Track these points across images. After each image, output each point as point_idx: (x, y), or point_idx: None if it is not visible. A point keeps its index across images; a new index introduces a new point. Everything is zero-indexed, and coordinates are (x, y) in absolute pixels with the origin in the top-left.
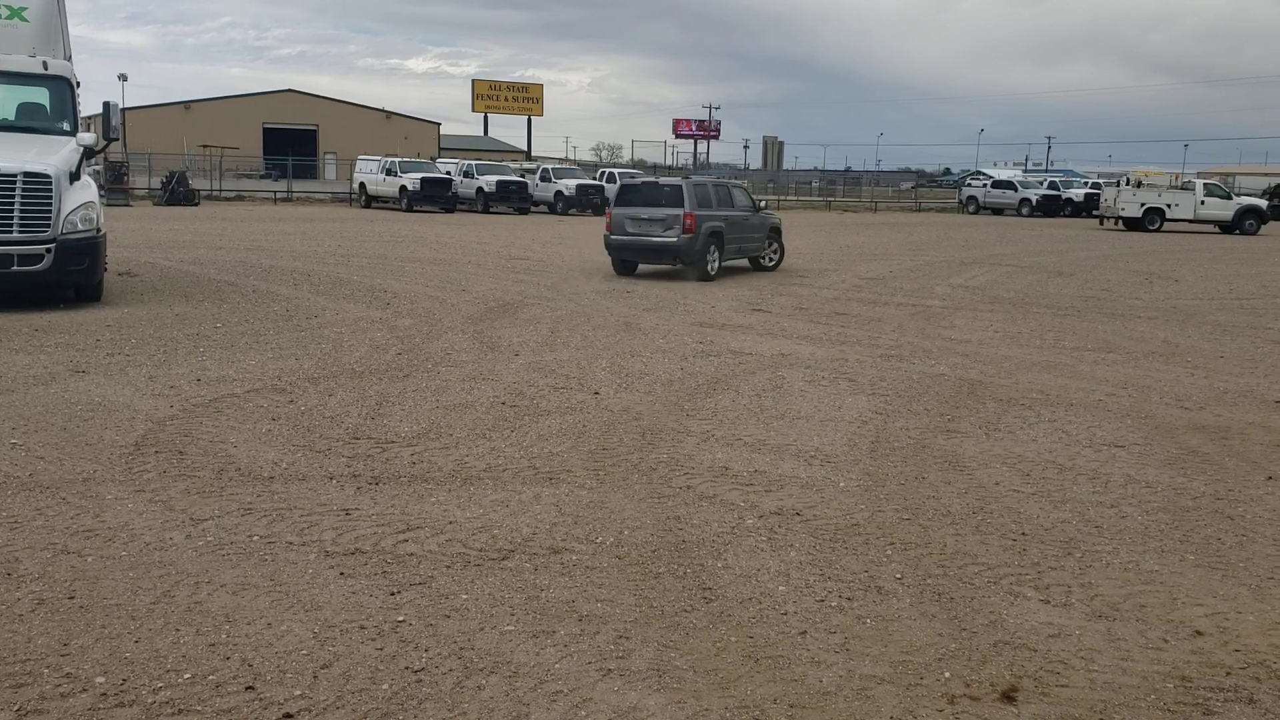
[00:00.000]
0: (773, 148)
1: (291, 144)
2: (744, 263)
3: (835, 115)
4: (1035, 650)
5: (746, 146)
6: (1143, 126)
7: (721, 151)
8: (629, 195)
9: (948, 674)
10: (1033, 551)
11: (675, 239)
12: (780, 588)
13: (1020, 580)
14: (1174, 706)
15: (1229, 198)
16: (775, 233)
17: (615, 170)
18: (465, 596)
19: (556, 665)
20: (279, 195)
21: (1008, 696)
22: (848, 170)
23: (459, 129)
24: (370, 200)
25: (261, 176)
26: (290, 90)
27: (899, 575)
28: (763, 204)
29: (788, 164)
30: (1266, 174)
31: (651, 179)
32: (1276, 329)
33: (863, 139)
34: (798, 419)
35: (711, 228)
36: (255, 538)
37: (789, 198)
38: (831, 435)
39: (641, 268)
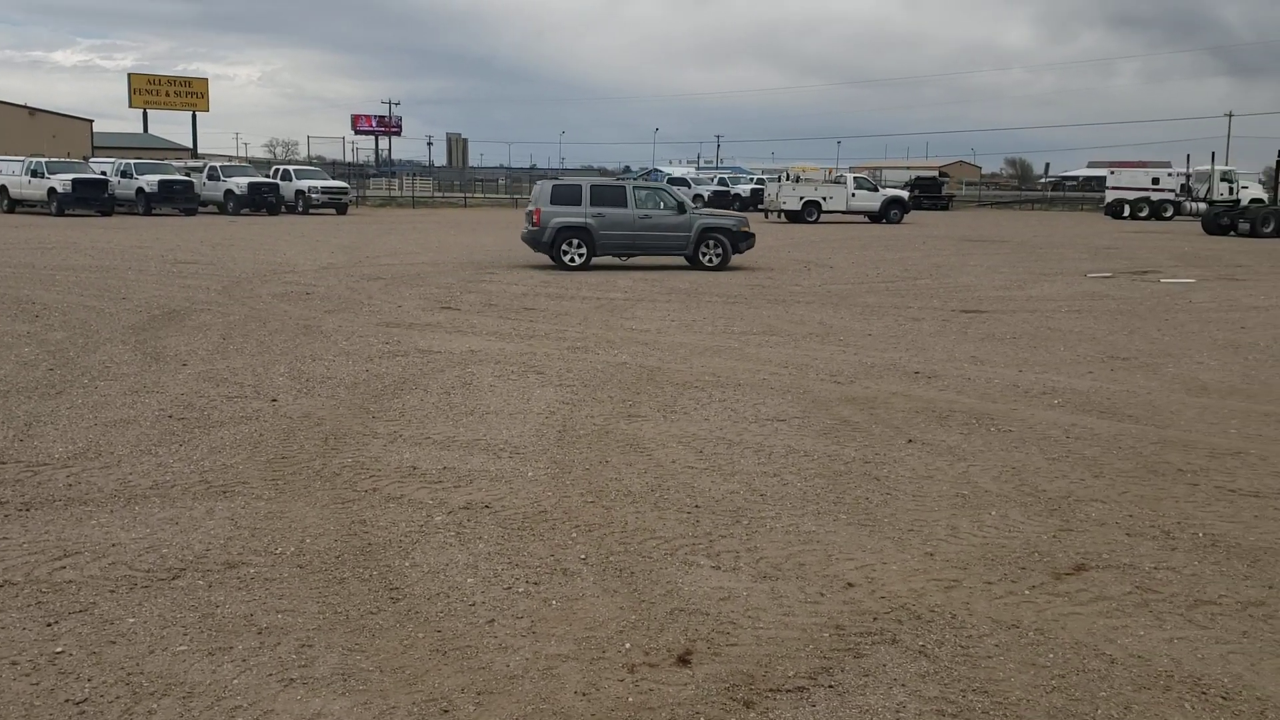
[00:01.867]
0: (457, 145)
1: None
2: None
3: (518, 113)
4: (708, 614)
5: (430, 143)
6: (801, 125)
7: (405, 148)
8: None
9: (628, 645)
10: (705, 522)
11: (525, 231)
12: (469, 580)
13: (694, 550)
14: (829, 653)
15: (876, 190)
16: (717, 233)
17: (291, 168)
18: (132, 620)
19: (235, 681)
20: None
21: (683, 660)
22: (533, 168)
23: (116, 126)
24: (14, 205)
25: None
26: None
27: (583, 556)
28: (697, 205)
29: (473, 161)
30: (909, 167)
31: (545, 181)
32: (916, 308)
33: (546, 137)
34: (487, 414)
35: (565, 224)
36: None
37: (476, 195)
38: (520, 427)
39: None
